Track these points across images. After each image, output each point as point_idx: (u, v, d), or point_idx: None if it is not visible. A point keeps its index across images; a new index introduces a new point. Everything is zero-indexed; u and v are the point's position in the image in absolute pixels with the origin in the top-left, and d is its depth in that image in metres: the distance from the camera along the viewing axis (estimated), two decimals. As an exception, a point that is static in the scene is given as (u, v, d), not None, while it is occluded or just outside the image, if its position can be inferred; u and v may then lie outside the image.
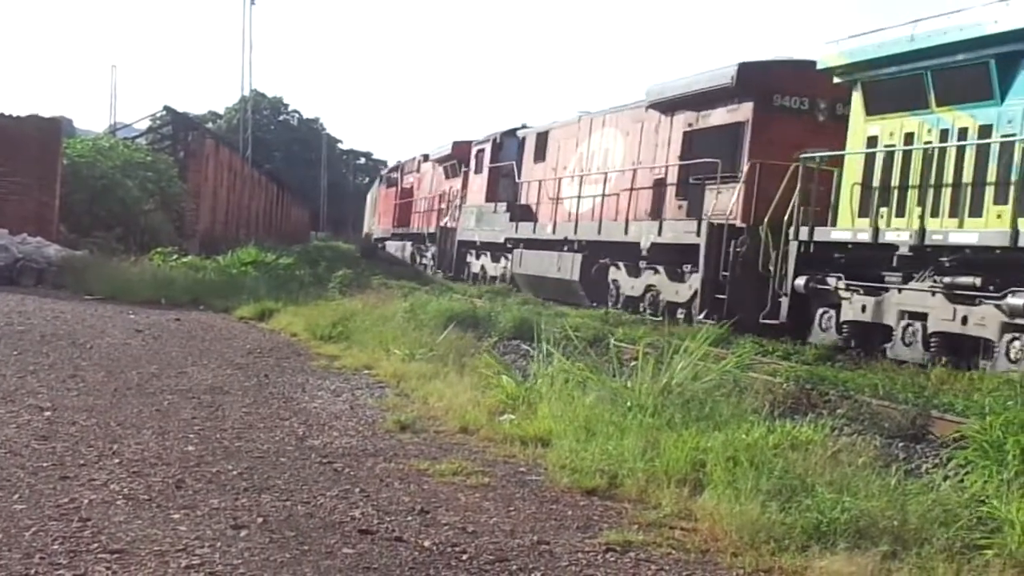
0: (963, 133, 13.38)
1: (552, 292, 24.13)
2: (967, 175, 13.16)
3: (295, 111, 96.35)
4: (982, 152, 12.98)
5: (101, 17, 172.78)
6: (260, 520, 5.10)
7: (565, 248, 23.87)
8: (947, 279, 13.01)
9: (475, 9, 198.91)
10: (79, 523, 4.86)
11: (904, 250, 13.79)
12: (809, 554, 4.87)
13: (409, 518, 5.31)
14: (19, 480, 5.55)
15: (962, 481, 6.23)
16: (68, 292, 17.67)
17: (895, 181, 14.34)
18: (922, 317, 13.39)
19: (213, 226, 33.75)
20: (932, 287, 13.28)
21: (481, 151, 31.12)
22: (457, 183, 33.96)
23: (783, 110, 17.29)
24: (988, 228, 12.69)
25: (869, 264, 14.53)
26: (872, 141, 14.89)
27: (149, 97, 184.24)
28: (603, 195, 22.28)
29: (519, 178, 27.92)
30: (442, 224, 35.35)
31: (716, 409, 7.39)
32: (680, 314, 18.41)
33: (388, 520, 5.25)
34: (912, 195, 14.05)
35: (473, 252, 31.78)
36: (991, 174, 12.79)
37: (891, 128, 14.57)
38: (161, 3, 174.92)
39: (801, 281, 15.27)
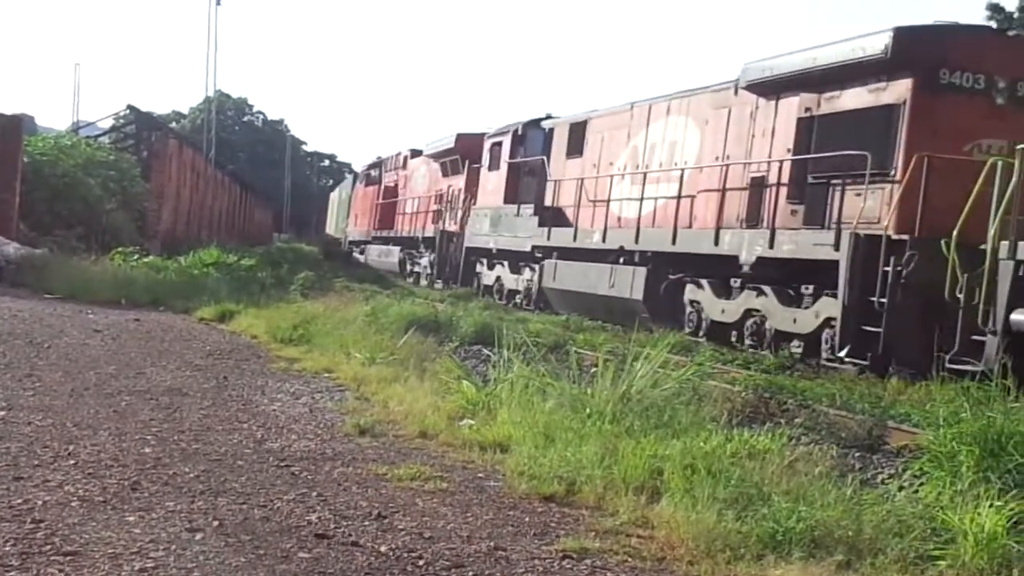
0: None
1: (600, 311, 19.80)
2: None
3: (260, 112, 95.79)
4: None
5: (65, 14, 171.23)
6: (216, 523, 5.08)
7: (622, 260, 19.65)
8: None
9: (436, 14, 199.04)
10: (32, 524, 4.82)
11: None
12: (765, 563, 4.91)
13: (366, 523, 5.31)
14: (-28, 480, 5.49)
15: (917, 491, 6.31)
16: (27, 291, 17.48)
17: None
18: None
19: (175, 226, 33.52)
20: None
21: (497, 145, 26.89)
22: (458, 181, 30.70)
23: (952, 89, 13.53)
24: None
25: None
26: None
27: (113, 96, 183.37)
28: (678, 196, 18.07)
29: (550, 176, 23.50)
30: (441, 227, 31.74)
31: (675, 417, 7.44)
32: (796, 347, 14.82)
33: (345, 525, 5.24)
34: None
35: (485, 261, 27.50)
36: None
37: None
38: (126, 1, 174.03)
39: (1022, 317, 10.98)
